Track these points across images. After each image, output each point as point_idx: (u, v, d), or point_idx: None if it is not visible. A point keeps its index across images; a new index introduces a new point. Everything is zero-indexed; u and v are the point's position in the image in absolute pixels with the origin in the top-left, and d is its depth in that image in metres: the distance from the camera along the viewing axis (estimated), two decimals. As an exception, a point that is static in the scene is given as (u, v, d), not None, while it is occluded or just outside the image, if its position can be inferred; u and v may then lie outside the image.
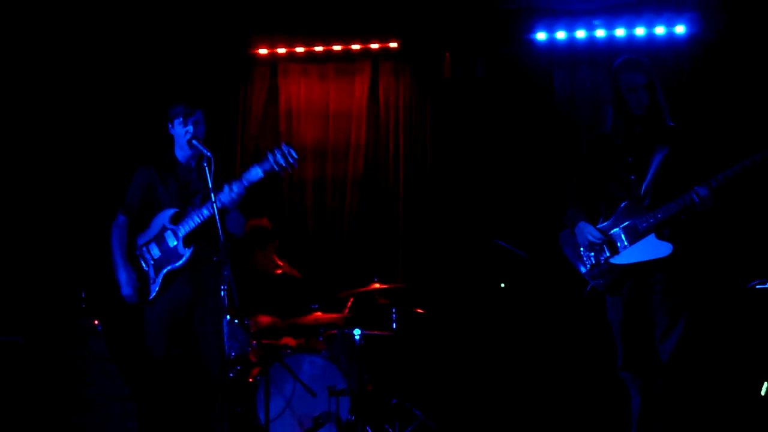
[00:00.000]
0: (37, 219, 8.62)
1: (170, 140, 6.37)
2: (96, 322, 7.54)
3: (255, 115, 9.47)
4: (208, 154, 5.87)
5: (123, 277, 6.23)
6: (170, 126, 6.29)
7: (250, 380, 7.32)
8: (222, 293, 5.70)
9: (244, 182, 5.99)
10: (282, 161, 5.93)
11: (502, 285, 8.46)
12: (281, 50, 9.39)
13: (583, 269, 6.03)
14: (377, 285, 7.79)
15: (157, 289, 6.20)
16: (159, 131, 6.49)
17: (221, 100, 9.25)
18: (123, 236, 6.32)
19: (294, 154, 5.94)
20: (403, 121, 9.35)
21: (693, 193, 5.62)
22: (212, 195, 5.77)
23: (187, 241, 6.16)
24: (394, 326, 7.85)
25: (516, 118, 9.05)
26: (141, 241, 6.33)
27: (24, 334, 7.44)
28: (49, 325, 7.70)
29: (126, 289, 6.22)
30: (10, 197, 8.52)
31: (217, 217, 5.70)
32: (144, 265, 6.27)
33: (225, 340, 5.69)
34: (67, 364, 7.52)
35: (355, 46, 9.33)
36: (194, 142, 6.10)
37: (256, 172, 5.99)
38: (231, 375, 7.27)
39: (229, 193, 5.97)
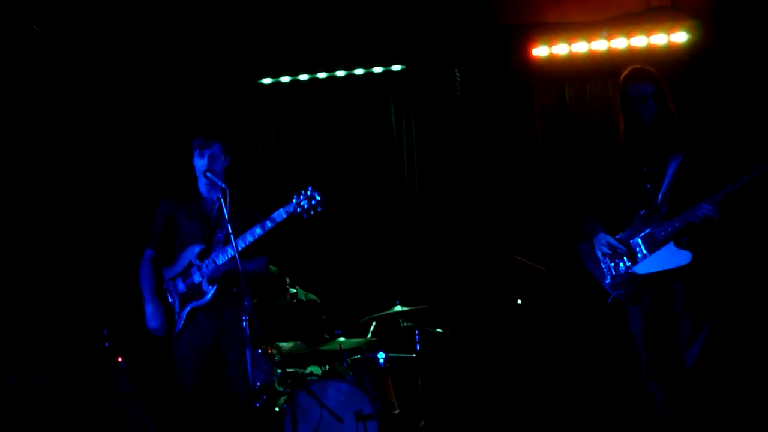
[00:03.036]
0: (56, 258, 8.63)
1: (194, 172, 6.40)
2: (119, 359, 7.51)
3: (267, 144, 9.50)
4: (223, 185, 5.94)
5: (150, 310, 6.23)
6: (192, 158, 6.33)
7: (277, 409, 7.27)
8: (244, 324, 5.72)
9: (268, 223, 6.05)
10: (305, 204, 5.99)
11: (519, 301, 8.41)
12: (286, 79, 9.42)
13: (603, 280, 6.01)
14: (399, 307, 7.73)
15: (182, 323, 6.22)
16: (182, 164, 6.56)
17: (235, 130, 9.30)
18: (151, 271, 6.35)
19: (318, 197, 6.00)
20: (416, 141, 9.36)
21: (698, 210, 5.60)
22: (229, 226, 5.79)
23: (212, 279, 6.18)
24: (418, 347, 7.79)
25: (529, 134, 9.07)
26: (168, 275, 6.35)
27: (47, 374, 7.42)
28: (72, 364, 7.69)
29: (153, 323, 6.21)
30: (30, 237, 8.53)
31: (236, 252, 5.75)
32: (170, 298, 6.29)
33: (249, 370, 5.69)
34: (92, 402, 7.48)
35: (360, 71, 9.32)
36: (208, 174, 6.15)
37: (279, 215, 6.04)
38: (257, 405, 7.07)
39: (252, 234, 6.03)
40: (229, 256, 6.06)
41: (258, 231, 6.06)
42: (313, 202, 6.00)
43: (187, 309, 6.22)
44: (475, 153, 9.21)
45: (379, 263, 9.27)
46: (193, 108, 9.10)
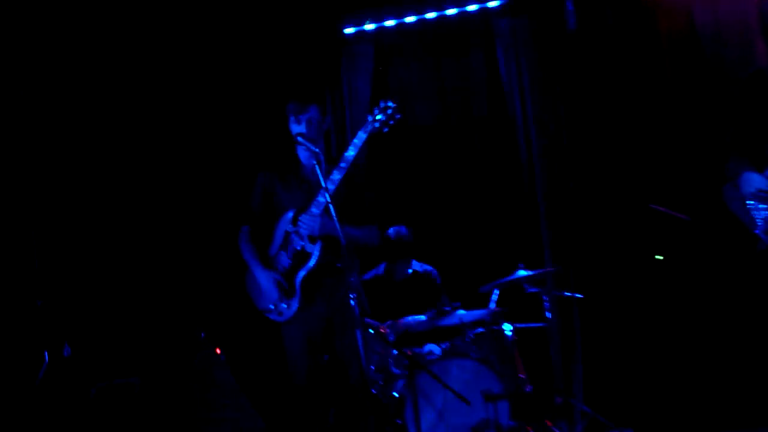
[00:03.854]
0: (144, 249, 8.50)
1: (291, 139, 6.26)
2: (218, 351, 7.34)
3: (362, 101, 9.10)
4: (316, 149, 5.84)
5: (263, 279, 6.11)
6: (288, 124, 6.20)
7: (396, 394, 6.98)
8: (352, 302, 5.46)
9: (350, 150, 5.95)
10: (382, 117, 5.93)
11: (659, 257, 7.96)
12: (382, 24, 9.03)
13: (753, 226, 5.47)
14: (523, 272, 7.38)
15: (297, 300, 6.02)
16: (276, 131, 6.53)
17: (324, 89, 9.01)
18: (250, 244, 6.26)
19: (391, 104, 5.94)
20: (528, 85, 8.90)
21: None
22: (327, 195, 5.67)
23: (312, 236, 5.99)
24: (548, 315, 7.46)
25: (655, 65, 8.51)
26: (271, 253, 6.18)
27: (141, 373, 7.28)
28: (167, 360, 7.57)
29: (268, 290, 6.08)
30: (118, 233, 8.45)
31: (334, 213, 5.54)
32: (278, 276, 6.10)
33: (362, 352, 5.49)
34: (192, 399, 7.28)
35: (470, 7, 8.87)
36: (300, 138, 6.00)
37: (359, 138, 5.96)
38: (374, 391, 6.95)
39: (339, 171, 5.90)
40: (322, 204, 5.88)
41: (342, 164, 5.93)
42: (389, 111, 5.93)
43: (299, 280, 6.02)
44: (595, 92, 8.68)
45: (496, 224, 8.90)
46: (277, 68, 8.84)
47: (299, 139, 5.97)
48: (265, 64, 8.85)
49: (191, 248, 8.45)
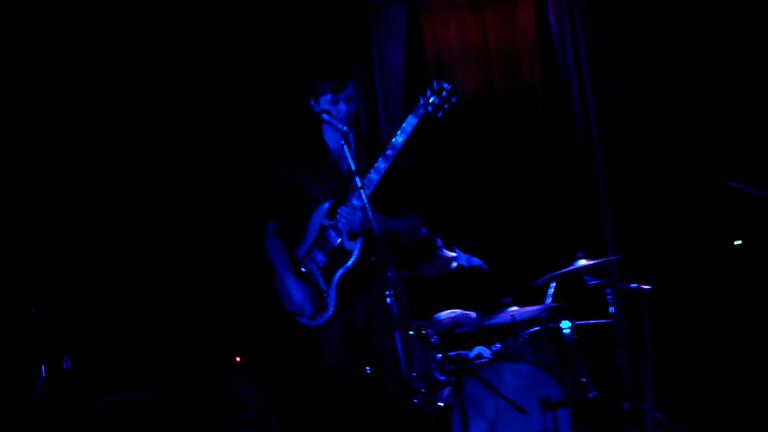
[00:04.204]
0: (152, 248, 8.20)
1: (317, 123, 5.91)
2: (238, 359, 7.06)
3: (395, 71, 8.74)
4: (343, 128, 5.46)
5: (292, 285, 5.77)
6: (315, 105, 5.79)
7: (441, 403, 6.55)
8: (388, 300, 5.10)
9: (399, 137, 5.61)
10: (436, 99, 5.55)
11: (738, 242, 7.70)
12: None
13: None
14: (583, 262, 6.90)
15: (333, 301, 5.72)
16: (296, 113, 6.41)
17: (352, 60, 8.64)
18: (280, 242, 5.93)
19: (446, 85, 5.57)
20: (584, 47, 8.46)
21: None
22: (358, 179, 5.25)
23: (352, 233, 5.66)
24: (612, 310, 7.02)
25: (733, 20, 8.03)
26: (301, 253, 5.86)
27: (151, 386, 6.95)
28: (180, 371, 7.28)
29: (298, 299, 5.75)
30: (122, 231, 8.15)
31: (367, 203, 5.21)
32: (312, 278, 5.80)
33: (402, 357, 5.18)
34: (209, 414, 6.97)
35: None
36: (325, 116, 5.61)
37: (408, 123, 5.60)
38: (415, 400, 6.58)
39: (386, 160, 5.58)
40: (367, 192, 5.48)
41: (389, 152, 5.58)
42: (444, 93, 5.57)
43: (335, 280, 5.69)
44: (662, 54, 8.25)
45: (551, 208, 8.55)
46: (295, 40, 8.42)
47: (324, 116, 5.59)
48: (282, 36, 8.48)
49: (204, 246, 8.19)
